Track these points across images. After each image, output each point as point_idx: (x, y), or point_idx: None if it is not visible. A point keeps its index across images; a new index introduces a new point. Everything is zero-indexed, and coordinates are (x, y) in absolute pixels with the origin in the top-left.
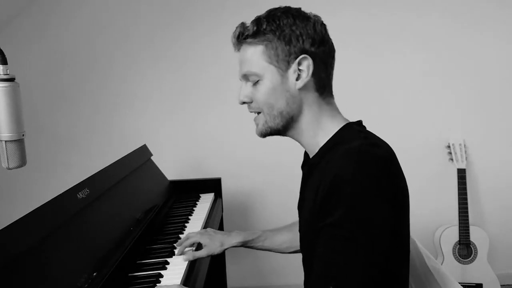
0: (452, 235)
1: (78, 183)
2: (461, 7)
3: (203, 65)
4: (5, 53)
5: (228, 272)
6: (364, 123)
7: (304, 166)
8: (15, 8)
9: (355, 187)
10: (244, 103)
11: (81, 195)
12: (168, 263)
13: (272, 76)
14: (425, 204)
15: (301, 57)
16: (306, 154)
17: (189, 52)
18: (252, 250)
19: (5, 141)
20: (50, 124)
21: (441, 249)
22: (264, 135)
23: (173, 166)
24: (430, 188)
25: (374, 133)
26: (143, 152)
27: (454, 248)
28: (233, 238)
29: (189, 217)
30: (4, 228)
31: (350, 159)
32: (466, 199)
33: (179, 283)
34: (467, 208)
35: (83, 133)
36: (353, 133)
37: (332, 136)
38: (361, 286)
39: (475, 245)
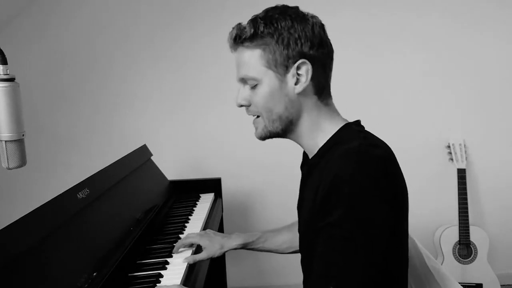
0: (452, 235)
1: (78, 183)
2: (461, 7)
3: (203, 65)
4: (5, 53)
5: (228, 272)
6: (364, 123)
7: (303, 166)
8: (15, 8)
9: (354, 187)
10: (242, 106)
11: (81, 195)
12: (168, 263)
13: (270, 80)
14: (425, 204)
15: (300, 62)
16: (305, 154)
17: (189, 52)
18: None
19: (5, 141)
20: (50, 124)
21: (441, 249)
22: (263, 138)
23: (173, 166)
24: (430, 188)
25: (373, 133)
26: (143, 152)
27: (454, 248)
28: (233, 241)
29: (189, 217)
30: (4, 228)
31: (349, 159)
32: (466, 199)
33: (179, 283)
34: (467, 208)
35: (83, 133)
36: (352, 133)
37: (331, 137)
38: (361, 286)
39: (475, 245)
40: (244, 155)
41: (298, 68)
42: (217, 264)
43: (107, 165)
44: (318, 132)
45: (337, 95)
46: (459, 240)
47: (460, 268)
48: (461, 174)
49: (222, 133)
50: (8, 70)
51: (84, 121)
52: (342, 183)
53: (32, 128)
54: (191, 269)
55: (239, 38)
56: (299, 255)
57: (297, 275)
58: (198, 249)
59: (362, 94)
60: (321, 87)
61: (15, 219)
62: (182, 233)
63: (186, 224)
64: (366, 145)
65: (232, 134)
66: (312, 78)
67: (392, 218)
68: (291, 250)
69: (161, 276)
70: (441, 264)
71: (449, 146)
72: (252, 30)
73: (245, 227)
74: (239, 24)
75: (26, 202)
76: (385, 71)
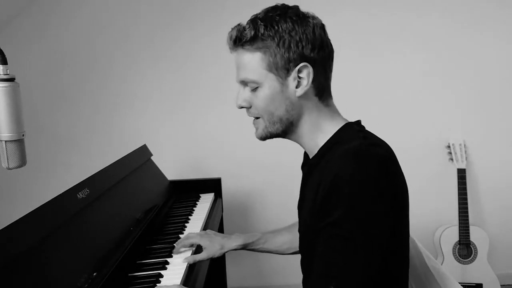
0: (452, 235)
1: (78, 183)
2: (461, 7)
3: (203, 65)
4: (5, 53)
5: (228, 272)
6: (364, 123)
7: (304, 167)
8: (15, 8)
9: (355, 187)
10: (242, 107)
11: (81, 195)
12: (168, 263)
13: (271, 83)
14: (425, 204)
15: (301, 65)
16: (305, 154)
17: (189, 52)
18: None
19: (5, 141)
20: (50, 124)
21: (441, 249)
22: (263, 139)
23: (173, 166)
24: (430, 188)
25: (373, 133)
26: (143, 152)
27: (454, 248)
28: (233, 241)
29: (189, 217)
30: (4, 228)
31: (349, 159)
32: (466, 199)
33: (179, 283)
34: (467, 208)
35: (83, 133)
36: (353, 133)
37: (332, 136)
38: (361, 286)
39: (475, 245)
40: (244, 155)
41: (299, 71)
42: (217, 264)
43: (107, 165)
44: (318, 132)
45: (337, 95)
46: (459, 240)
47: (460, 268)
48: (461, 174)
49: (222, 133)
50: (8, 70)
51: (84, 121)
52: (342, 183)
53: (32, 128)
54: (191, 269)
55: (239, 41)
56: (298, 256)
57: (297, 275)
58: (198, 249)
59: (362, 94)
60: (321, 88)
61: (15, 219)
62: (182, 233)
63: (186, 224)
64: (366, 144)
65: (232, 134)
66: (313, 81)
67: (392, 218)
68: (291, 251)
69: (161, 276)
70: (441, 264)
71: (449, 146)
72: (253, 33)
73: (245, 227)
74: (239, 25)
75: (26, 202)
76: (385, 71)
